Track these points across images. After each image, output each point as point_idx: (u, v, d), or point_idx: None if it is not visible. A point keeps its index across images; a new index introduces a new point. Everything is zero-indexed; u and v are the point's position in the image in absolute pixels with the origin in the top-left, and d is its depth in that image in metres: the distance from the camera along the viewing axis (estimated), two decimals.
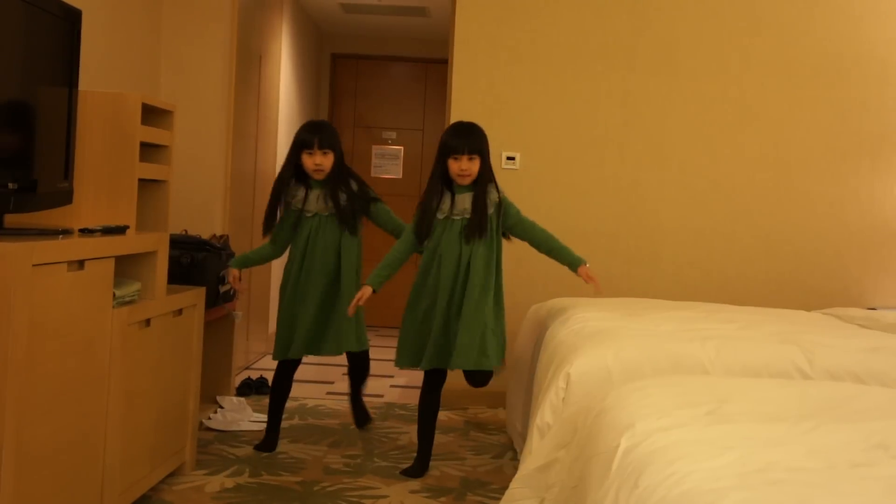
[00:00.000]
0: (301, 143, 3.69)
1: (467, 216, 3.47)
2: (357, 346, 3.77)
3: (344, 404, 4.66)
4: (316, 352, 3.75)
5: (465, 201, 3.49)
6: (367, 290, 3.52)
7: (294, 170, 3.72)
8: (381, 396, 4.89)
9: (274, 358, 3.82)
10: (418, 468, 3.55)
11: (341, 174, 3.73)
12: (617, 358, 2.81)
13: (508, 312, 3.66)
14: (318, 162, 3.66)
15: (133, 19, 4.25)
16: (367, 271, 3.70)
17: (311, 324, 3.71)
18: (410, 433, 4.17)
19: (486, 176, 3.49)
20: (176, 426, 3.25)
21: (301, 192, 3.71)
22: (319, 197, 3.70)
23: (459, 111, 4.82)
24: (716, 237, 4.85)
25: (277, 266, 6.19)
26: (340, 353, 3.79)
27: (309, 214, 3.71)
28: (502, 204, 3.52)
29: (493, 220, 3.50)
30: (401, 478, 3.49)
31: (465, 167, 3.45)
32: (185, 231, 4.29)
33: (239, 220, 5.09)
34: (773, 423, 1.87)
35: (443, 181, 3.52)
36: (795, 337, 3.04)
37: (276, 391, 3.88)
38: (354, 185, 3.75)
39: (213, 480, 3.34)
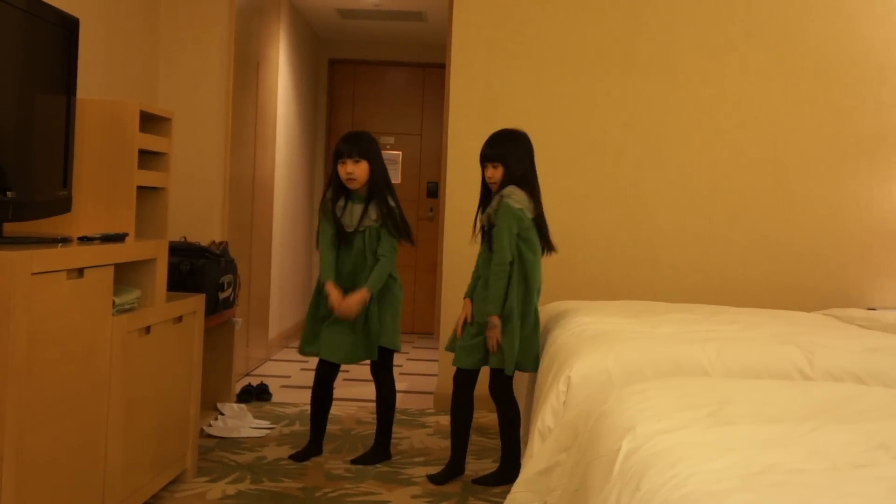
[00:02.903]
0: (335, 155, 3.72)
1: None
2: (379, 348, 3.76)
3: (346, 409, 4.67)
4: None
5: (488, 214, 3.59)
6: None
7: (336, 182, 3.74)
8: None
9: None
10: (441, 475, 3.57)
11: (379, 186, 3.71)
12: (617, 361, 2.81)
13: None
14: (350, 171, 3.67)
15: (130, 27, 4.25)
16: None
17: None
18: (411, 438, 4.17)
19: (506, 181, 3.53)
20: (177, 433, 3.24)
21: (342, 202, 3.73)
22: (356, 211, 3.69)
23: (457, 115, 4.82)
24: (715, 239, 4.85)
25: (277, 271, 6.19)
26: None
27: (349, 230, 3.70)
28: (499, 210, 3.51)
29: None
30: (402, 483, 3.49)
31: (489, 174, 3.59)
32: (184, 238, 4.29)
33: (238, 226, 5.09)
34: (774, 424, 1.87)
35: (485, 188, 3.65)
36: (795, 338, 3.04)
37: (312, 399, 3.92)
38: (392, 202, 3.73)
39: (214, 487, 3.33)
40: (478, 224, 3.64)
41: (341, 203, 3.73)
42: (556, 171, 4.84)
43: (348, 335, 3.69)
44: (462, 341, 3.60)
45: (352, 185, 3.70)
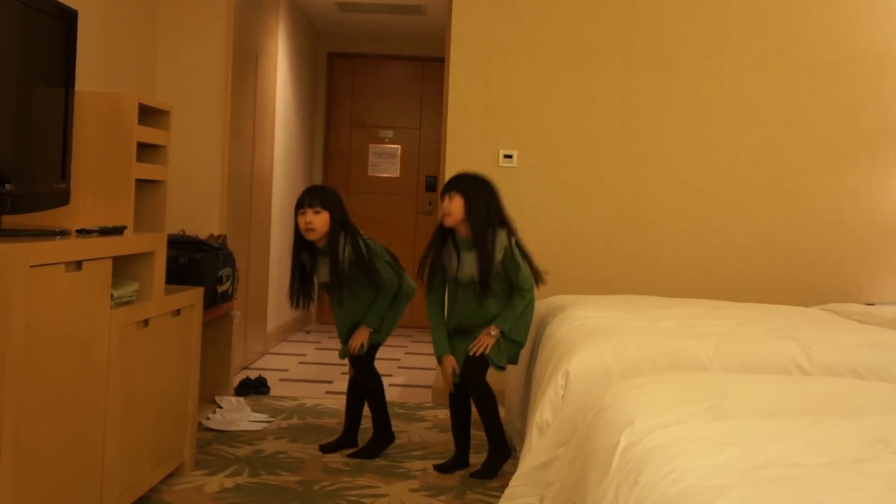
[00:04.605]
0: (296, 206, 3.68)
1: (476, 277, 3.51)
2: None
3: (344, 403, 4.66)
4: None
5: (469, 262, 3.51)
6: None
7: (297, 236, 3.71)
8: None
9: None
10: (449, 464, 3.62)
11: (339, 236, 3.63)
12: (616, 355, 2.81)
13: None
14: (309, 220, 3.61)
15: (129, 19, 4.24)
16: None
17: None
18: (410, 432, 4.17)
19: (475, 215, 3.46)
20: (175, 426, 3.24)
21: (309, 262, 3.72)
22: (326, 265, 3.67)
23: (456, 110, 4.81)
24: (714, 235, 4.85)
25: (275, 264, 6.19)
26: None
27: (324, 280, 3.72)
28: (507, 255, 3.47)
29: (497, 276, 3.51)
30: (400, 476, 3.49)
31: (444, 206, 3.51)
32: (183, 231, 4.29)
33: (236, 219, 5.09)
34: (773, 419, 1.87)
35: (443, 231, 3.57)
36: (794, 333, 3.04)
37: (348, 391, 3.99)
38: (349, 251, 3.62)
39: (212, 480, 3.33)
40: (454, 268, 3.54)
41: (310, 263, 3.72)
42: (554, 165, 4.84)
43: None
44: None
45: (310, 236, 3.63)
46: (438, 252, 3.57)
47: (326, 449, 3.79)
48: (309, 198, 3.64)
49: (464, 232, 3.51)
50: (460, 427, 3.66)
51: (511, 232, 3.52)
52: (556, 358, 2.99)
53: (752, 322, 3.30)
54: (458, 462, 3.62)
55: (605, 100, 4.83)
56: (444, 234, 3.56)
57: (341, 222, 3.65)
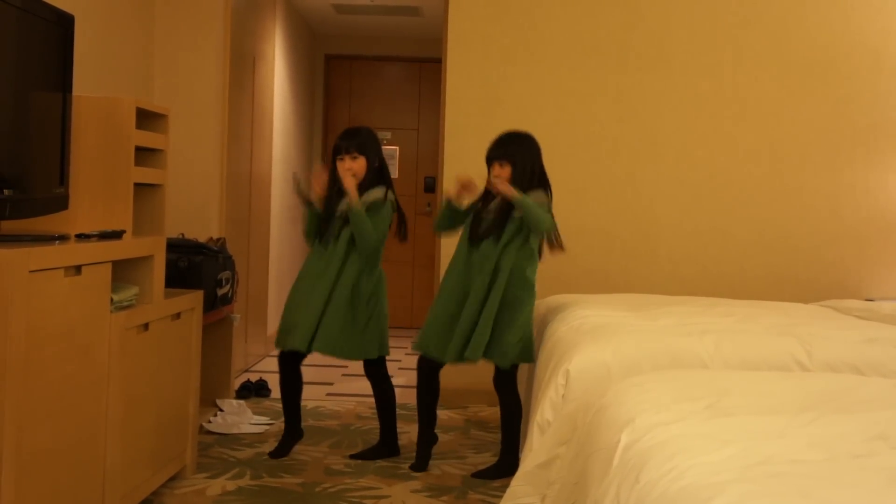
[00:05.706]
0: (334, 151, 3.67)
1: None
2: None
3: (345, 405, 4.66)
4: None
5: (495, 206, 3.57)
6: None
7: (334, 177, 3.68)
8: None
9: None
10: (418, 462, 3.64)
11: (375, 181, 3.64)
12: (616, 354, 2.81)
13: None
14: (349, 167, 3.62)
15: (126, 23, 4.24)
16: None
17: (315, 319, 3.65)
18: (410, 432, 4.16)
19: (520, 182, 3.52)
20: (176, 430, 3.24)
21: (336, 198, 3.68)
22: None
23: (454, 110, 4.82)
24: (712, 232, 4.86)
25: (275, 266, 6.19)
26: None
27: (337, 214, 3.66)
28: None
29: (514, 223, 3.54)
30: (402, 478, 3.49)
31: (496, 173, 3.57)
32: (182, 234, 4.29)
33: (235, 222, 5.09)
34: (773, 415, 1.87)
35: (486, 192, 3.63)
36: (793, 329, 3.04)
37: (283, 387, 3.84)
38: (379, 193, 3.62)
39: (214, 483, 3.34)
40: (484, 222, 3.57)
41: (335, 195, 3.68)
42: (552, 164, 4.80)
43: (306, 322, 3.65)
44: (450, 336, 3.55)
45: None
46: (485, 205, 3.60)
47: (276, 454, 3.70)
48: (346, 143, 3.64)
49: None
50: (425, 408, 3.65)
51: (549, 194, 3.61)
52: (556, 357, 2.99)
53: (751, 319, 3.30)
54: (424, 442, 3.64)
55: (601, 98, 4.83)
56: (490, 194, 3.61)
57: (378, 172, 3.67)
